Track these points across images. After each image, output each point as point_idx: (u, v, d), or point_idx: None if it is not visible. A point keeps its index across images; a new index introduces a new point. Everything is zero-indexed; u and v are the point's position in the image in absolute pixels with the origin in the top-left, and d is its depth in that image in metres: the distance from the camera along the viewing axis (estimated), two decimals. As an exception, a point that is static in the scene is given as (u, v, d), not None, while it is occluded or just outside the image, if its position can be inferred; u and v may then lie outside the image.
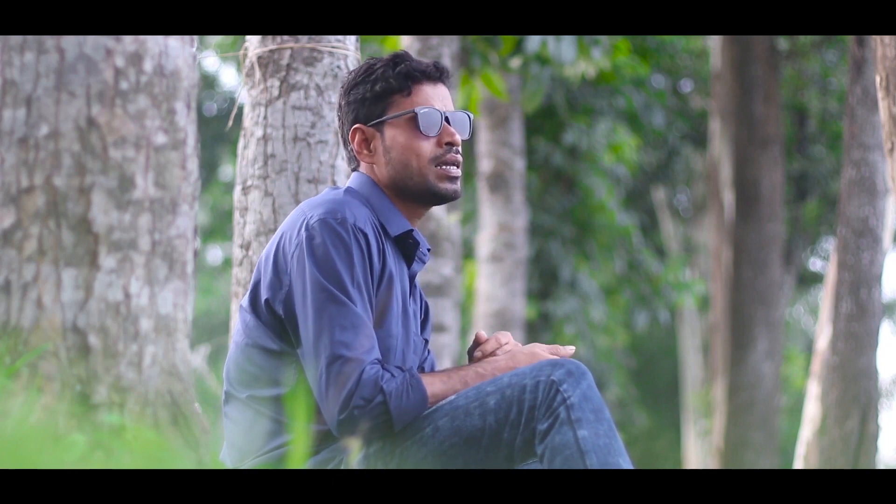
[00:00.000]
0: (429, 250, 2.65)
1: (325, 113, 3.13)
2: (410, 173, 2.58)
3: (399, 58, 2.64)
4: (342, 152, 3.15)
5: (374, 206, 2.57)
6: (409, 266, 2.61)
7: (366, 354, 2.37)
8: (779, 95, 10.54)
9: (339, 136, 2.70)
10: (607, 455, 2.27)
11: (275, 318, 2.47)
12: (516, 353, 2.52)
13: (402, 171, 2.59)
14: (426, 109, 2.59)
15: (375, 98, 2.61)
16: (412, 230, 2.59)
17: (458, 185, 2.62)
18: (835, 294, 5.66)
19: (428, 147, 2.59)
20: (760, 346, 10.04)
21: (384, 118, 2.61)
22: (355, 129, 2.62)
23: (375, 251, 2.47)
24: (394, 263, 2.54)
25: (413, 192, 2.60)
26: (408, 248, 2.60)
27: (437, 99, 2.62)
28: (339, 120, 2.69)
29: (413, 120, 2.59)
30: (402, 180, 2.59)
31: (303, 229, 2.45)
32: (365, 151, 2.62)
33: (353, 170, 2.68)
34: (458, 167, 2.62)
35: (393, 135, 2.60)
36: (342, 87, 2.68)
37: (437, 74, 2.64)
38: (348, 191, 2.59)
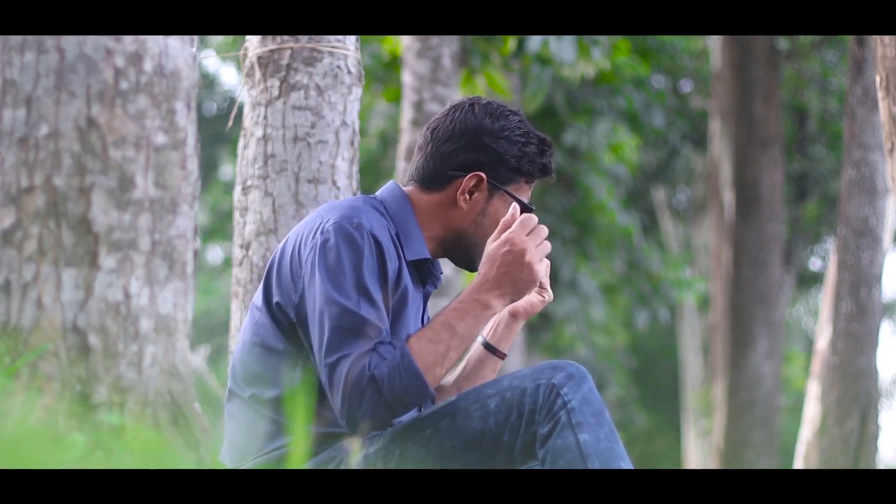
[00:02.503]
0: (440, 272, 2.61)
1: (325, 113, 3.13)
2: (480, 244, 2.51)
3: (548, 147, 2.56)
4: (342, 152, 3.15)
5: (398, 222, 2.51)
6: (423, 286, 2.58)
7: (364, 351, 2.35)
8: (779, 95, 10.54)
9: (443, 146, 2.53)
10: (609, 459, 2.27)
11: (286, 320, 2.45)
12: (490, 255, 2.43)
13: (478, 240, 2.52)
14: (531, 209, 2.53)
15: (515, 169, 2.53)
16: (429, 259, 2.54)
17: None
18: (835, 294, 5.66)
19: None
20: (760, 346, 10.04)
21: (506, 189, 2.53)
22: (478, 174, 2.51)
23: (391, 261, 2.42)
24: (409, 282, 2.50)
25: (463, 253, 2.56)
26: (423, 273, 2.56)
27: None
28: (460, 140, 2.52)
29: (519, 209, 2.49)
30: (470, 243, 2.54)
31: (318, 233, 2.42)
32: (465, 196, 2.52)
33: (415, 181, 2.56)
34: None
35: (499, 207, 2.53)
36: (492, 121, 2.52)
37: (546, 178, 2.59)
38: (372, 200, 2.54)
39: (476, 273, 2.47)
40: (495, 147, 2.52)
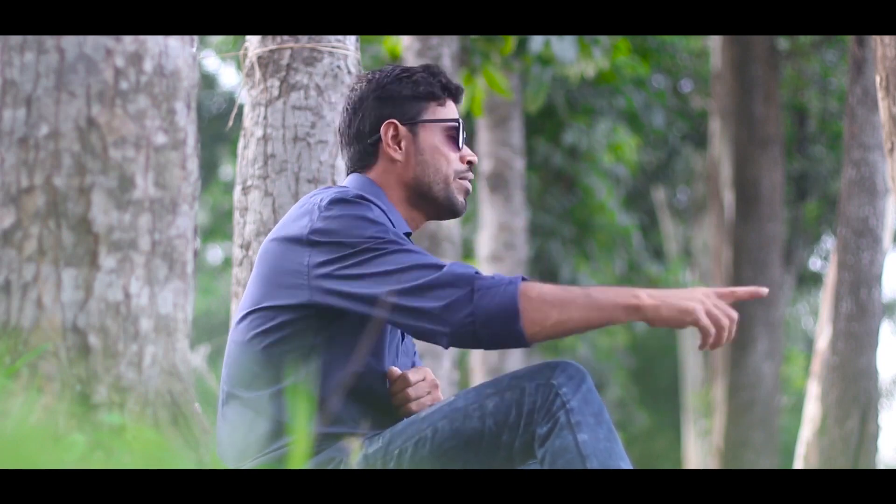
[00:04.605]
0: None
1: (325, 113, 3.13)
2: (438, 178, 2.59)
3: (436, 69, 2.67)
4: (342, 151, 3.15)
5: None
6: None
7: (437, 261, 2.36)
8: (779, 95, 10.54)
9: (351, 130, 2.63)
10: (608, 459, 2.27)
11: (295, 302, 2.43)
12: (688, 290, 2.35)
13: (431, 175, 2.59)
14: (461, 123, 2.63)
15: (415, 98, 2.62)
16: (410, 233, 2.59)
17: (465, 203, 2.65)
18: (835, 294, 5.66)
19: (455, 159, 2.62)
20: (760, 346, 10.03)
21: (423, 119, 2.61)
22: (390, 123, 2.60)
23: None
24: None
25: (431, 198, 2.60)
26: None
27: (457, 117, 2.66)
28: (357, 114, 2.63)
29: (449, 129, 2.62)
30: (427, 183, 2.60)
31: (315, 210, 2.45)
32: (394, 146, 2.61)
33: (356, 169, 2.64)
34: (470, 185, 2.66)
35: (428, 138, 2.61)
36: (368, 83, 2.63)
37: (460, 96, 2.67)
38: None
39: (457, 215, 2.63)
40: (387, 95, 2.62)
